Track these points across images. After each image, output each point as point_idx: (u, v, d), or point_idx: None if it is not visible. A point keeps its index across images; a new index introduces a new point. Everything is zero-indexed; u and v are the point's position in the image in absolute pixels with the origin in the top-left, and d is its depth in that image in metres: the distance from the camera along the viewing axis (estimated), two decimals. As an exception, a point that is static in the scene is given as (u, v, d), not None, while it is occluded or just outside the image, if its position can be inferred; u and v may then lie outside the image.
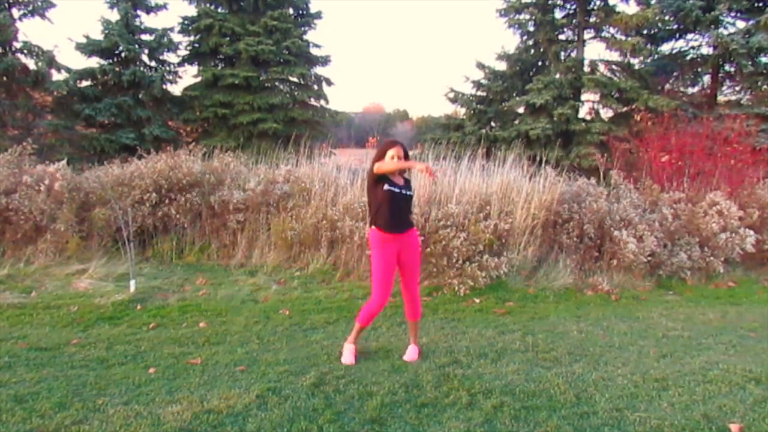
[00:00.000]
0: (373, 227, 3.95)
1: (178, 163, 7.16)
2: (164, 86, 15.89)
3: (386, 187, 3.83)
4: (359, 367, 3.83)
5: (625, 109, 14.78)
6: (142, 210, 6.82)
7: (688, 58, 15.11)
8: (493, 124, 15.94)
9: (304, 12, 17.80)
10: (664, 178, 8.43)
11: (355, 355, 3.99)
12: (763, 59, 13.68)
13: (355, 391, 3.42)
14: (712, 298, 6.41)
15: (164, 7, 15.92)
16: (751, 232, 7.10)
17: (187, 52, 17.09)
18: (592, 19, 15.13)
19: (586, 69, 15.14)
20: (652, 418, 3.14)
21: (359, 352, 4.08)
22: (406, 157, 3.91)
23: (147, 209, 6.84)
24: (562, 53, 15.47)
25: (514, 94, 15.67)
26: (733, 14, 14.39)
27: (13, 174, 6.71)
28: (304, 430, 2.94)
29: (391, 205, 3.85)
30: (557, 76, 14.65)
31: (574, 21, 15.34)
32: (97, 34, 15.04)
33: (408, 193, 3.96)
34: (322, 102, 18.06)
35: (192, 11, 16.96)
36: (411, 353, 4.08)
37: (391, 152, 3.84)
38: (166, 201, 6.99)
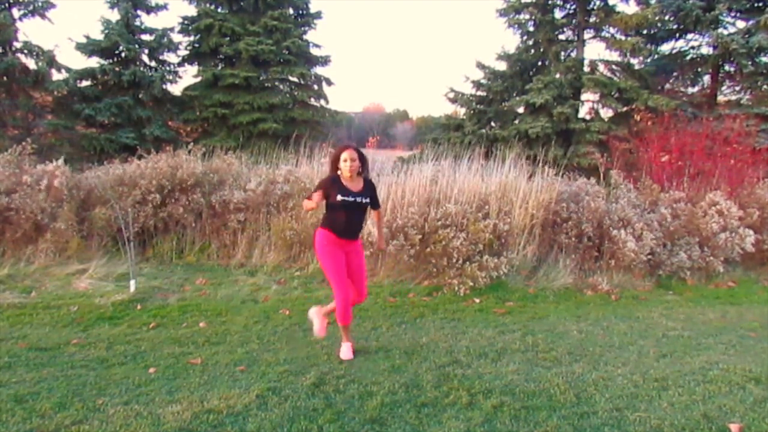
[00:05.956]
0: (322, 228, 3.96)
1: (181, 163, 7.16)
2: (164, 86, 15.90)
3: (339, 197, 3.82)
4: (359, 367, 3.83)
5: (625, 108, 14.78)
6: (145, 210, 6.82)
7: (688, 58, 15.10)
8: (493, 123, 15.94)
9: (304, 12, 17.81)
10: (664, 178, 8.43)
11: (352, 351, 4.05)
12: (763, 59, 13.67)
13: (355, 391, 3.42)
14: (712, 298, 6.40)
15: (164, 7, 15.93)
16: (751, 232, 7.09)
17: (187, 52, 17.09)
18: (592, 19, 15.12)
19: (586, 69, 15.13)
20: (652, 418, 3.15)
21: (358, 351, 4.09)
22: (361, 158, 3.93)
23: (149, 209, 6.85)
24: (562, 53, 15.46)
25: (514, 94, 15.65)
26: (733, 14, 14.38)
27: (14, 174, 6.71)
28: (304, 430, 2.94)
29: (345, 215, 3.87)
30: (557, 75, 14.65)
31: (574, 21, 15.34)
32: (97, 34, 15.08)
33: (364, 201, 3.92)
34: (322, 102, 18.08)
35: (192, 11, 16.99)
36: (345, 351, 4.04)
37: (344, 155, 3.88)
38: (172, 200, 7.00)
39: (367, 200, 3.95)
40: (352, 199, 3.86)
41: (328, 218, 3.93)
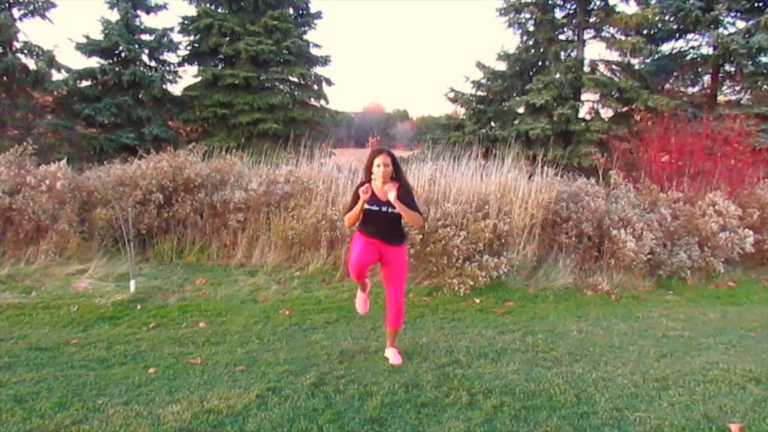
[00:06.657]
0: (356, 231, 3.95)
1: (185, 163, 7.16)
2: (164, 86, 15.86)
3: (365, 205, 3.74)
4: (359, 367, 3.83)
5: (625, 108, 14.78)
6: (149, 210, 6.82)
7: (688, 58, 15.10)
8: (493, 124, 15.93)
9: (304, 12, 17.79)
10: (663, 178, 8.43)
11: (366, 303, 4.14)
12: (763, 59, 13.66)
13: (355, 391, 3.42)
14: (712, 298, 6.41)
15: (164, 7, 15.91)
16: (751, 232, 7.09)
17: (187, 52, 17.06)
18: (592, 19, 15.12)
19: (586, 69, 15.13)
20: (652, 418, 3.15)
21: (359, 351, 4.10)
22: (395, 163, 3.82)
23: (153, 210, 6.84)
24: (562, 53, 15.45)
25: (514, 94, 15.65)
26: (732, 14, 14.38)
27: (18, 174, 6.71)
28: (304, 430, 2.94)
29: (373, 223, 3.81)
30: (557, 76, 14.64)
31: (574, 21, 15.33)
32: (97, 34, 15.04)
33: (390, 210, 3.73)
34: (322, 102, 18.05)
35: (192, 11, 16.95)
36: (394, 357, 3.98)
37: (377, 161, 3.78)
38: (177, 200, 7.01)
39: (394, 210, 3.72)
40: (377, 208, 3.75)
41: (361, 223, 3.86)
